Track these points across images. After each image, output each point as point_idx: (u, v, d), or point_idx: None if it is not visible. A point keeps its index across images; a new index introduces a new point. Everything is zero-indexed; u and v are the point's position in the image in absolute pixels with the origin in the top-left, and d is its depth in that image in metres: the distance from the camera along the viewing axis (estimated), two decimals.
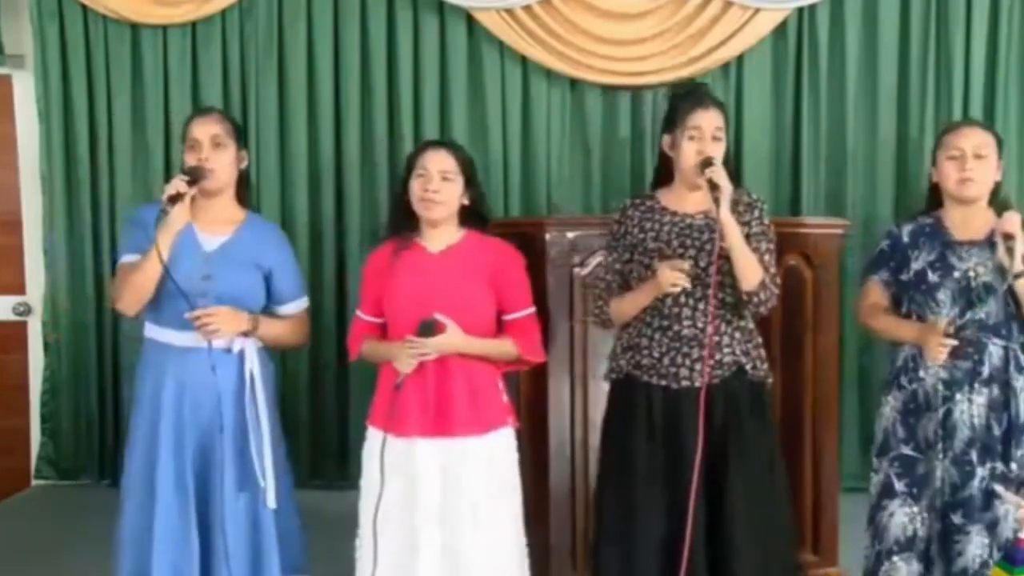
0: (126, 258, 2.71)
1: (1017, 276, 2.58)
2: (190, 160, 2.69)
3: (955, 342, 2.58)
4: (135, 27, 4.44)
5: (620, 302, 2.69)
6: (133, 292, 2.63)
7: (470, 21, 4.46)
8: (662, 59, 4.44)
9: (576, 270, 3.19)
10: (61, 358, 4.54)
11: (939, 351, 2.58)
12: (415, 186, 2.60)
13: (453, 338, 2.54)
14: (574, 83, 4.52)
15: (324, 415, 4.54)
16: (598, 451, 2.83)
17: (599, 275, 2.81)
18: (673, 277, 2.51)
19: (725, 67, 4.50)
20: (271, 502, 2.71)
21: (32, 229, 4.62)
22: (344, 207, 4.50)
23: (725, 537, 2.55)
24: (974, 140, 2.71)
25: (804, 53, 4.48)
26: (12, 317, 4.67)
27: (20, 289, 4.68)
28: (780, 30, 4.48)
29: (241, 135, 2.83)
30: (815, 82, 4.49)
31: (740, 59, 4.50)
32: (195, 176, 2.62)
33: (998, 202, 2.69)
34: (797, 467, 3.31)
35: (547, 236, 3.16)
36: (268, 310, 2.80)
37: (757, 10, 4.40)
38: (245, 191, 2.85)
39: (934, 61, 4.47)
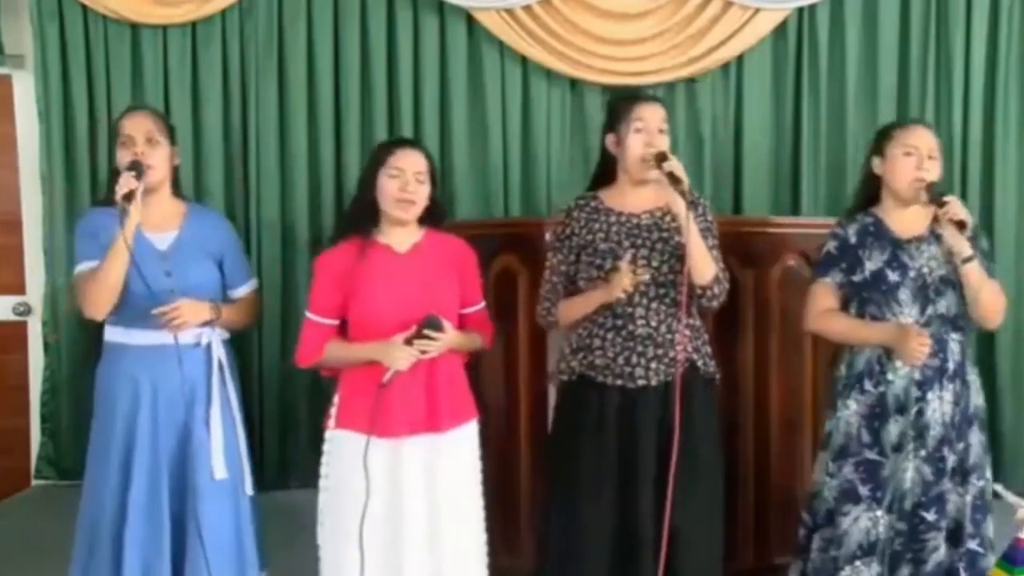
0: (83, 266, 2.74)
1: (965, 261, 2.59)
2: (124, 156, 2.72)
3: (931, 341, 2.59)
4: (135, 27, 4.44)
5: (569, 305, 2.71)
6: (103, 292, 2.65)
7: (470, 21, 4.46)
8: (662, 59, 4.43)
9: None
10: (61, 358, 4.54)
11: (920, 352, 2.58)
12: (391, 186, 2.58)
13: (452, 335, 2.56)
14: (574, 83, 4.52)
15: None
16: (546, 451, 2.83)
17: (545, 277, 2.79)
18: (629, 287, 2.52)
19: (725, 67, 4.50)
20: (248, 489, 2.78)
21: (32, 229, 4.62)
22: (344, 207, 4.49)
23: (675, 531, 2.55)
24: (929, 141, 2.73)
25: (804, 53, 4.48)
26: (12, 317, 4.67)
27: (20, 289, 4.68)
28: (780, 30, 4.47)
29: (173, 132, 2.86)
30: (815, 82, 4.49)
31: (740, 59, 4.49)
32: (138, 171, 2.65)
33: (934, 192, 2.66)
34: (797, 467, 3.31)
35: (547, 236, 3.16)
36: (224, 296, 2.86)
37: (757, 10, 4.40)
38: (178, 186, 2.89)
39: (934, 61, 4.47)
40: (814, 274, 2.85)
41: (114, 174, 2.72)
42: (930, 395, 2.67)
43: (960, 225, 2.56)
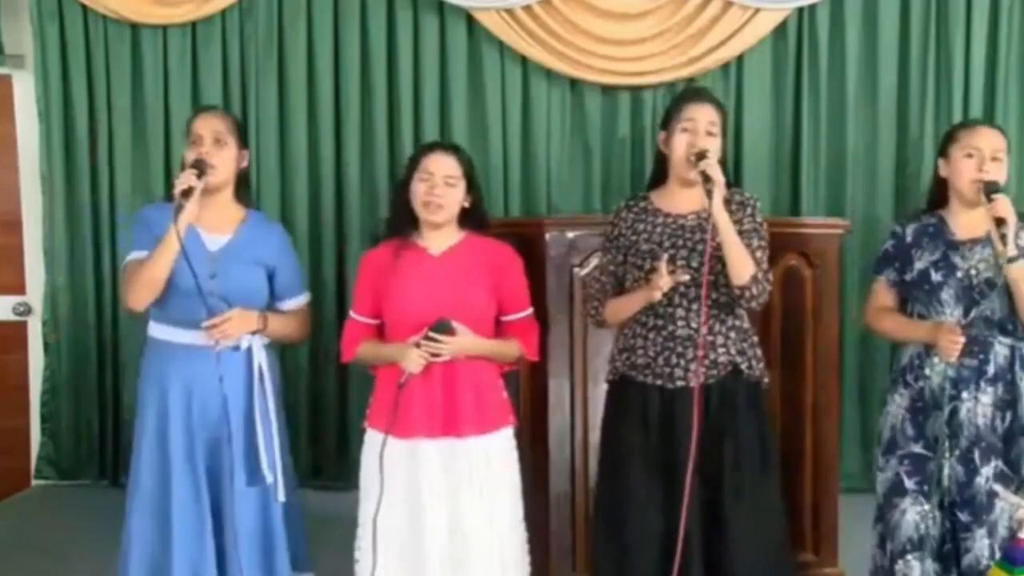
0: (133, 255, 2.73)
1: (1010, 260, 2.56)
2: (191, 155, 2.71)
3: (963, 339, 2.58)
4: (135, 27, 4.44)
5: (614, 304, 2.70)
6: (145, 284, 2.64)
7: (470, 21, 4.46)
8: (662, 59, 4.43)
9: (576, 270, 3.19)
10: (61, 358, 4.54)
11: (952, 348, 2.59)
12: (419, 189, 2.61)
13: (465, 340, 2.55)
14: (574, 83, 4.52)
15: (324, 415, 4.54)
16: (598, 453, 2.83)
17: (595, 276, 2.82)
18: (665, 288, 2.50)
19: (725, 67, 4.50)
20: (281, 496, 2.74)
21: (32, 229, 4.62)
22: (344, 207, 4.50)
23: (721, 539, 2.55)
24: (993, 142, 2.71)
25: (804, 53, 4.48)
26: (12, 317, 4.67)
27: (20, 289, 4.68)
28: (780, 30, 4.47)
29: (243, 134, 2.84)
30: (815, 82, 4.49)
31: (740, 59, 4.49)
32: (200, 169, 2.64)
33: (989, 190, 2.65)
34: (797, 467, 3.30)
35: (547, 236, 3.16)
36: (270, 306, 2.82)
37: (757, 10, 4.39)
38: (245, 190, 2.86)
39: (934, 61, 4.47)
40: (872, 271, 2.91)
41: (181, 169, 2.71)
42: (965, 394, 2.67)
43: (999, 222, 2.55)
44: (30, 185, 4.60)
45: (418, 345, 2.51)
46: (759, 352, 2.70)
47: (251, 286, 2.75)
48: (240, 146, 2.79)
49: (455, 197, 2.62)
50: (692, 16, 4.42)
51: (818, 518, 3.32)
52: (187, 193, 2.57)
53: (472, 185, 2.67)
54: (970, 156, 2.69)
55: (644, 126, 4.48)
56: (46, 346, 4.55)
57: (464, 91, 4.48)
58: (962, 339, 2.59)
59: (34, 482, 4.63)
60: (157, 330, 2.76)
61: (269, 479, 2.71)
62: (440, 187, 2.59)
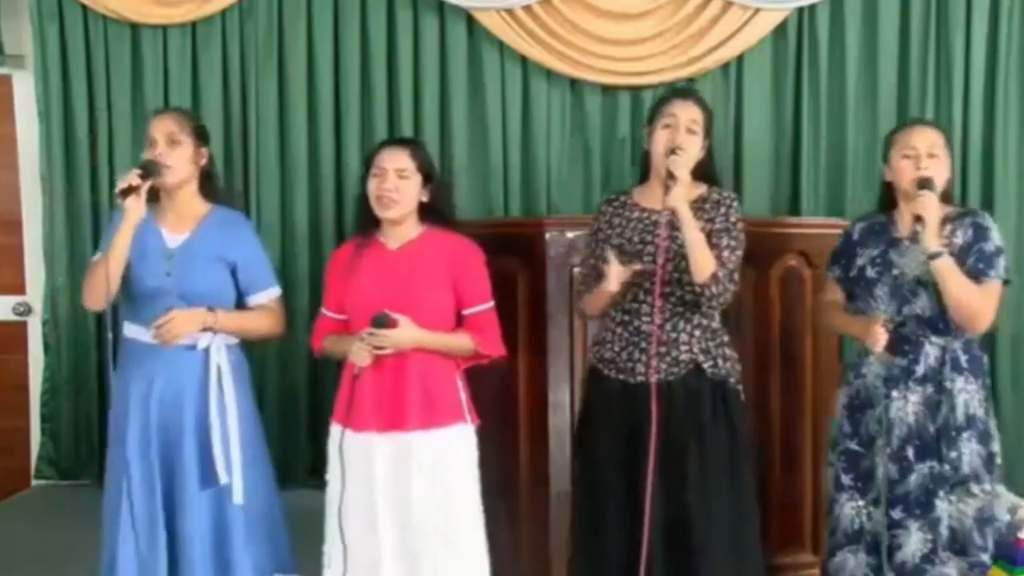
0: (97, 255, 2.78)
1: (931, 257, 2.57)
2: (144, 156, 2.74)
3: (885, 332, 2.61)
4: (135, 27, 4.43)
5: (588, 298, 2.73)
6: (93, 286, 2.69)
7: (470, 21, 4.46)
8: (662, 59, 4.43)
9: (576, 270, 3.19)
10: (61, 358, 4.54)
11: (875, 339, 2.62)
12: (371, 185, 2.63)
13: (406, 332, 2.54)
14: (574, 83, 4.52)
15: (323, 416, 4.52)
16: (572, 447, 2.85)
17: (581, 271, 2.86)
18: (614, 282, 2.53)
19: (725, 67, 4.50)
20: (237, 498, 2.71)
21: (32, 229, 4.62)
22: (344, 207, 4.49)
23: (685, 540, 2.55)
24: (927, 139, 2.73)
25: (804, 53, 4.48)
26: (12, 317, 4.67)
27: (20, 289, 4.68)
28: (780, 30, 4.47)
29: (203, 134, 2.86)
30: (815, 82, 4.48)
31: (740, 59, 4.49)
32: (148, 170, 2.66)
33: (921, 186, 2.65)
34: (797, 468, 3.31)
35: (547, 236, 3.16)
36: (240, 302, 2.83)
37: (757, 10, 4.39)
38: (211, 187, 2.88)
39: (934, 61, 4.47)
40: (827, 269, 2.94)
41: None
42: (894, 393, 2.70)
43: (916, 218, 2.57)
44: (30, 185, 4.60)
45: (362, 339, 2.54)
46: (727, 352, 2.69)
47: (208, 284, 2.76)
48: (198, 144, 2.81)
49: (409, 191, 2.62)
50: (692, 16, 4.42)
51: (818, 518, 3.32)
52: (127, 192, 2.58)
53: (430, 179, 2.67)
54: (907, 157, 2.71)
55: (644, 126, 4.46)
56: (46, 346, 4.55)
57: (464, 91, 4.48)
58: (882, 329, 2.61)
59: (34, 482, 4.63)
60: (128, 329, 2.80)
61: (224, 480, 2.69)
62: (391, 181, 2.59)
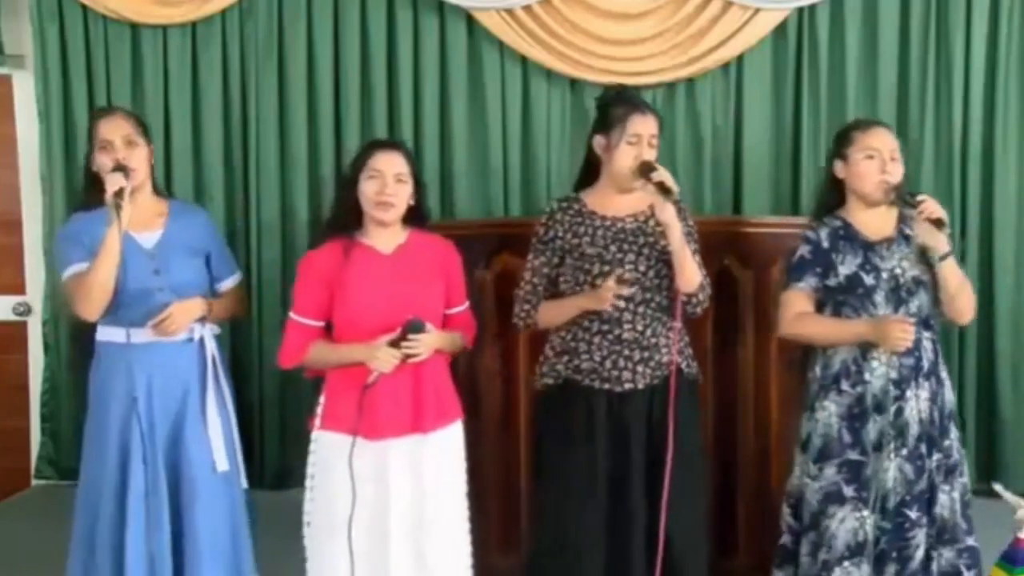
0: (73, 268, 2.73)
1: (942, 258, 2.60)
2: (105, 160, 2.73)
3: (913, 326, 2.60)
4: (135, 27, 4.43)
5: (550, 308, 2.72)
6: (96, 293, 2.65)
7: (470, 21, 4.46)
8: (662, 59, 4.43)
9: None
10: (61, 358, 4.54)
11: (904, 337, 2.59)
12: (368, 188, 2.59)
13: (433, 337, 2.56)
14: (574, 83, 4.51)
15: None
16: (531, 459, 2.84)
17: (525, 278, 2.79)
18: (614, 295, 2.54)
19: (725, 67, 4.49)
20: (243, 482, 2.82)
21: (32, 229, 4.62)
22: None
23: (666, 539, 2.58)
24: (890, 142, 2.74)
25: (804, 53, 4.47)
26: (12, 317, 4.67)
27: (20, 289, 4.68)
28: (780, 30, 4.47)
29: (147, 131, 2.88)
30: (815, 82, 4.48)
31: (740, 59, 4.48)
32: (124, 172, 2.66)
33: (902, 193, 2.68)
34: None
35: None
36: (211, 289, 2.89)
37: (757, 10, 4.39)
38: (156, 184, 2.93)
39: (934, 61, 4.46)
40: (787, 280, 2.82)
41: (93, 178, 2.75)
42: (908, 393, 2.68)
43: (938, 223, 2.57)
44: (30, 185, 4.60)
45: (395, 345, 2.50)
46: (691, 350, 2.77)
47: (193, 274, 2.82)
48: (148, 142, 2.84)
49: (405, 195, 2.63)
50: (692, 16, 4.42)
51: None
52: (119, 194, 2.59)
53: (417, 182, 2.68)
54: (871, 157, 2.71)
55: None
56: (46, 346, 4.56)
57: (464, 91, 4.47)
58: (913, 326, 2.59)
59: (34, 482, 4.63)
60: (109, 333, 2.78)
61: (224, 467, 2.74)
62: (391, 185, 2.58)
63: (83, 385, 4.45)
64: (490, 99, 4.47)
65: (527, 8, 4.38)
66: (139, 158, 2.76)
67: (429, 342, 2.54)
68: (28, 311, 4.67)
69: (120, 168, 2.66)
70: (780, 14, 4.42)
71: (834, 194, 2.82)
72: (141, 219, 2.77)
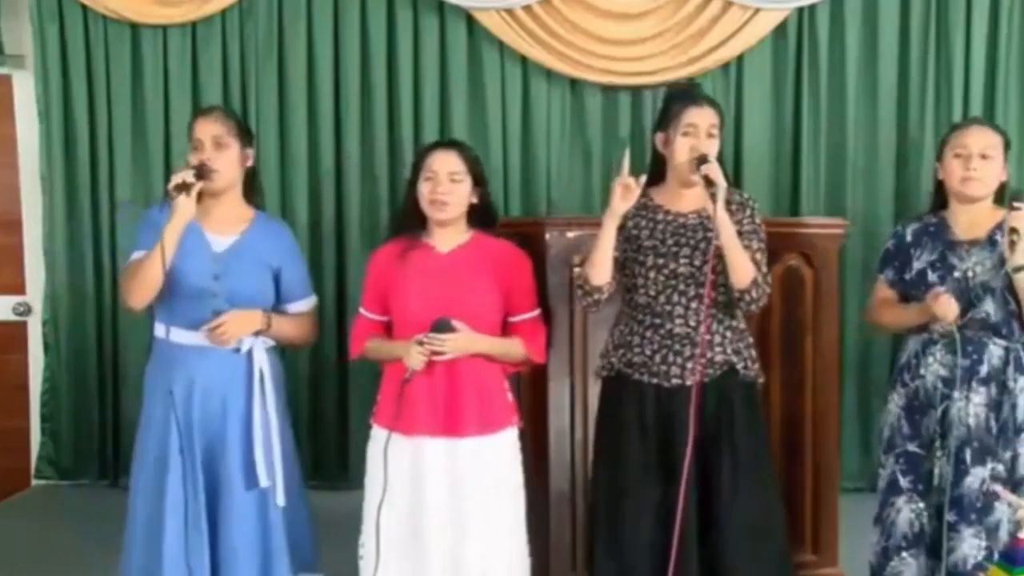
0: (134, 255, 2.72)
1: (1016, 270, 2.57)
2: (194, 160, 2.69)
3: (950, 297, 2.58)
4: (135, 27, 4.44)
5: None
6: (141, 282, 2.62)
7: (470, 21, 4.46)
8: (662, 59, 4.44)
9: (576, 270, 3.19)
10: (61, 358, 4.54)
11: (948, 308, 2.58)
12: (424, 188, 2.61)
13: (463, 338, 2.55)
14: (574, 83, 4.52)
15: (324, 414, 4.54)
16: (593, 448, 2.83)
17: (587, 253, 2.74)
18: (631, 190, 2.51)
19: (725, 67, 4.50)
20: (280, 500, 2.71)
21: (32, 229, 4.62)
22: (344, 207, 4.50)
23: (717, 537, 2.56)
24: (981, 140, 2.71)
25: (804, 53, 4.48)
26: (12, 317, 4.67)
27: (20, 289, 4.69)
28: (780, 30, 4.48)
29: (247, 133, 2.82)
30: (815, 82, 4.49)
31: (740, 59, 4.50)
32: (200, 173, 2.62)
33: (1009, 197, 2.65)
34: (797, 467, 3.30)
35: (547, 236, 3.16)
36: (277, 308, 2.81)
37: (757, 10, 4.40)
38: (252, 190, 2.85)
39: (934, 61, 4.47)
40: (876, 269, 2.93)
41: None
42: (956, 394, 2.67)
43: (1012, 231, 2.54)
44: (30, 185, 4.60)
45: (420, 343, 2.52)
46: (754, 353, 2.70)
47: (256, 288, 2.74)
48: (244, 145, 2.77)
49: (461, 194, 2.63)
50: (692, 16, 4.42)
51: (818, 518, 3.32)
52: (180, 188, 2.55)
53: (479, 181, 2.68)
54: (958, 156, 2.70)
55: (644, 126, 4.47)
56: (46, 346, 4.56)
57: (464, 91, 4.48)
58: (947, 297, 2.58)
59: (34, 482, 4.64)
60: (163, 331, 2.75)
61: (265, 483, 2.68)
62: (444, 184, 2.59)
63: (84, 384, 4.53)
64: (490, 99, 4.48)
65: (527, 8, 4.39)
66: (226, 160, 2.70)
67: (458, 342, 2.53)
68: (28, 311, 4.67)
69: (200, 168, 2.62)
70: (780, 14, 4.43)
71: (937, 195, 2.83)
72: (220, 222, 2.73)
